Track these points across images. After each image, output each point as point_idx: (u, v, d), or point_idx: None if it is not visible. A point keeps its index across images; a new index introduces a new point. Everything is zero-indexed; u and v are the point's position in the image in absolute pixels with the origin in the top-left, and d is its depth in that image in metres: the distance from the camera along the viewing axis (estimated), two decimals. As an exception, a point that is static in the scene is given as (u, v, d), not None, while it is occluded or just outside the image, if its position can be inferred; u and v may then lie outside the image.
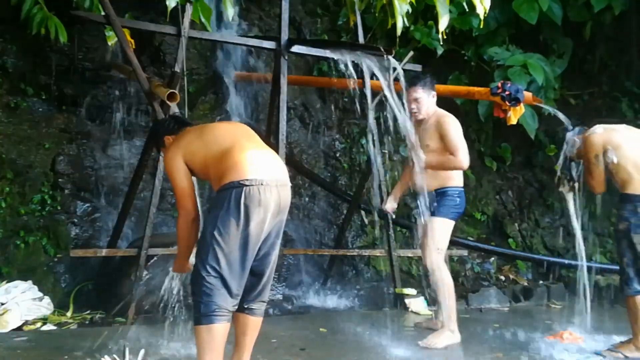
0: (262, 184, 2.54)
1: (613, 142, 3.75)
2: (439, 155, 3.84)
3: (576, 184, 4.09)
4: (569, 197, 4.13)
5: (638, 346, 3.67)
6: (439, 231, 3.85)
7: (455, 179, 3.98)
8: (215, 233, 2.50)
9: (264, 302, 2.79)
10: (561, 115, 4.45)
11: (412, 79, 3.99)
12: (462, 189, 4.02)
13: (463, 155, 3.76)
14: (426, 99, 3.92)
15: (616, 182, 3.77)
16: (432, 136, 3.86)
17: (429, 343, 3.70)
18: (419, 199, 3.78)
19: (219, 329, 2.51)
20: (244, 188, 2.50)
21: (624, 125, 3.99)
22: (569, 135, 4.04)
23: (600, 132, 3.84)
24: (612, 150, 3.72)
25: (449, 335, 3.76)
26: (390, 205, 4.22)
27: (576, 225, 4.16)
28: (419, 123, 3.95)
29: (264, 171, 2.58)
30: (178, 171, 2.72)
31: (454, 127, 3.83)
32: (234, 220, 2.50)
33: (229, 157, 2.60)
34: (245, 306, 2.73)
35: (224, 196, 2.53)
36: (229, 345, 2.80)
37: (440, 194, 3.90)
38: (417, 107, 3.91)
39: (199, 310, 2.52)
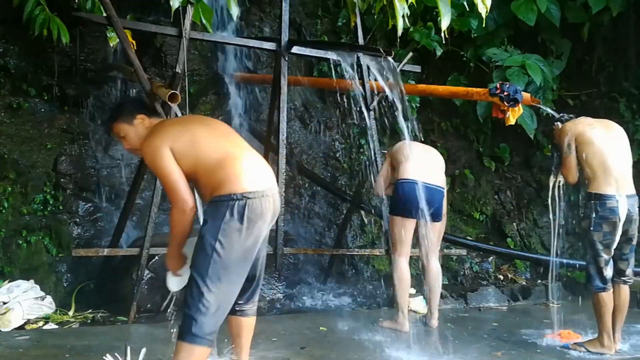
0: (263, 196, 2.49)
1: (584, 136, 3.77)
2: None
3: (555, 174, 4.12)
4: (550, 185, 4.17)
5: (603, 343, 3.75)
6: (390, 228, 4.27)
7: (401, 173, 4.20)
8: (217, 245, 2.41)
9: (255, 302, 2.78)
10: (555, 114, 4.47)
11: None
12: (407, 182, 4.13)
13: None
14: None
15: (585, 180, 3.82)
16: None
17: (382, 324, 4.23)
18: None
19: (201, 353, 2.41)
20: (248, 201, 2.44)
21: (606, 122, 4.01)
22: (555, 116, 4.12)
23: (576, 122, 3.87)
24: (572, 145, 3.76)
25: (399, 317, 4.17)
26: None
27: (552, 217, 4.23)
28: None
29: (261, 182, 2.54)
30: (166, 159, 2.50)
31: None
32: (237, 232, 2.43)
33: (225, 167, 2.50)
34: (238, 309, 2.71)
35: (225, 207, 2.44)
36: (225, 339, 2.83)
37: None
38: None
39: (190, 328, 2.39)
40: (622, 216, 3.64)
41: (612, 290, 3.74)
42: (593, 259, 3.72)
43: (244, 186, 2.47)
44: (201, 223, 2.53)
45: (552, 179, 4.11)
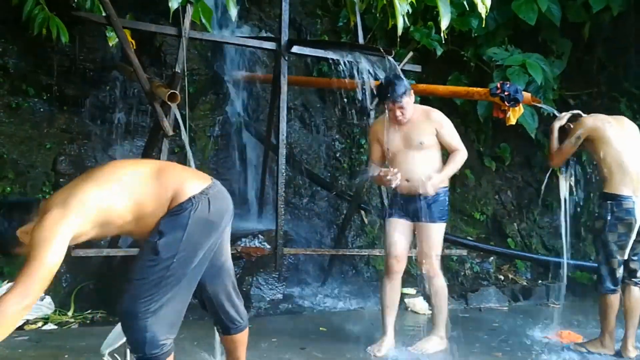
0: (217, 189, 2.38)
1: (600, 133, 3.73)
2: (435, 152, 3.70)
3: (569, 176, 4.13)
4: (562, 186, 4.16)
5: (604, 343, 3.74)
6: (438, 237, 3.71)
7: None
8: (175, 260, 2.20)
9: (244, 313, 2.66)
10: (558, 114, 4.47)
11: (395, 92, 3.57)
12: (447, 189, 3.83)
13: (463, 146, 3.76)
14: (410, 103, 3.66)
15: (601, 179, 3.79)
16: (425, 132, 3.65)
17: (419, 348, 3.71)
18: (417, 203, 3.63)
19: None
20: (209, 196, 2.30)
21: (621, 118, 3.98)
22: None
23: (593, 118, 3.85)
24: (581, 139, 3.76)
25: (438, 342, 3.74)
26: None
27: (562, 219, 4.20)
28: (399, 124, 3.68)
29: (203, 180, 2.39)
30: (62, 239, 2.04)
31: (448, 121, 3.75)
32: (203, 230, 2.28)
33: (170, 180, 2.29)
34: (231, 326, 2.61)
35: (187, 210, 2.24)
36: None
37: (433, 197, 3.66)
38: (402, 114, 3.63)
39: (143, 351, 2.20)
40: (639, 218, 3.61)
41: (619, 292, 3.71)
42: (606, 259, 3.69)
43: (197, 187, 2.31)
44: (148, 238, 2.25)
45: (562, 182, 4.11)
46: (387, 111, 3.69)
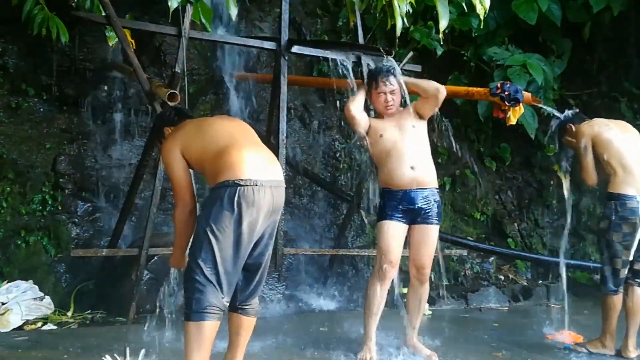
0: (256, 185, 2.54)
1: (602, 137, 3.76)
2: (426, 134, 3.61)
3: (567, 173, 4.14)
4: (565, 184, 4.17)
5: (604, 344, 3.75)
6: (436, 240, 3.61)
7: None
8: (208, 230, 2.51)
9: (256, 302, 2.81)
10: (560, 115, 4.47)
11: (387, 71, 3.64)
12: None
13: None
14: (399, 93, 3.60)
15: (605, 179, 3.80)
16: (413, 118, 3.60)
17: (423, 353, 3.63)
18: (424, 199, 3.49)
19: (209, 327, 2.50)
20: (239, 188, 2.51)
21: (622, 123, 4.01)
22: (561, 118, 4.10)
23: (591, 124, 3.87)
24: (589, 147, 3.76)
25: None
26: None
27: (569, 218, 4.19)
28: (388, 118, 3.62)
29: (259, 172, 2.59)
30: (174, 162, 2.72)
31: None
32: (227, 218, 2.51)
33: (225, 155, 2.60)
34: (239, 306, 2.75)
35: (218, 194, 2.54)
36: (222, 342, 2.82)
37: (434, 195, 3.55)
38: (393, 100, 3.58)
39: (191, 307, 2.51)
40: None
41: (621, 292, 3.71)
42: (609, 260, 3.69)
43: (238, 173, 2.54)
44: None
45: (562, 176, 4.12)
46: (376, 101, 3.63)
